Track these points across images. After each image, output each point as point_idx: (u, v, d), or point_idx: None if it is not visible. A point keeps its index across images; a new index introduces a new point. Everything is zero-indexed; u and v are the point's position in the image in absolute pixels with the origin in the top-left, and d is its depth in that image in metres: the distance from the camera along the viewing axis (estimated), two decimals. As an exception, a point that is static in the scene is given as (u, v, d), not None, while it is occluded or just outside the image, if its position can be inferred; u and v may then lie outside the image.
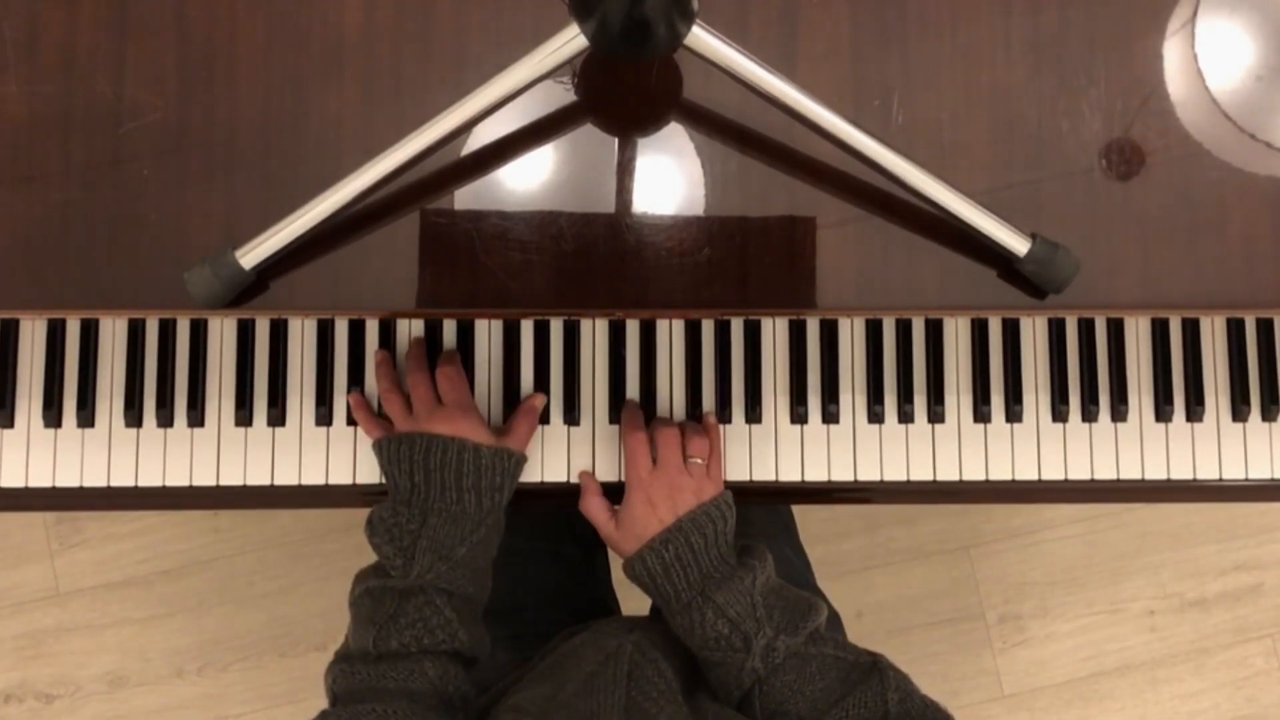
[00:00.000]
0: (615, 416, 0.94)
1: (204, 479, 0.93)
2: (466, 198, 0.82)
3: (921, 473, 0.94)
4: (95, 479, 0.92)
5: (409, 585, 0.80)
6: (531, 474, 0.93)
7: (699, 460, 0.86)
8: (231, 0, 0.82)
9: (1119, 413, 0.95)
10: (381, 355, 0.91)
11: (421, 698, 0.76)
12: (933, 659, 1.74)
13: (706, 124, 0.83)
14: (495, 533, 0.85)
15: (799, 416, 0.94)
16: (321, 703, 0.80)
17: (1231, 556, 1.77)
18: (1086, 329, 0.95)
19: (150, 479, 0.93)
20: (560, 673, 0.82)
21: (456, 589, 0.81)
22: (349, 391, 0.92)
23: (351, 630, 0.82)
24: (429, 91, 0.81)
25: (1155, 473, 0.95)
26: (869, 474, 0.94)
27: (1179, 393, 0.95)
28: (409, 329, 0.94)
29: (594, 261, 0.82)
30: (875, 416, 0.94)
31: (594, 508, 0.89)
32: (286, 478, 0.93)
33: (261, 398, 0.93)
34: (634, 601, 1.07)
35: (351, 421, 0.93)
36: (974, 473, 0.95)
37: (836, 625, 1.08)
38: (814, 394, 0.94)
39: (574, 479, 0.93)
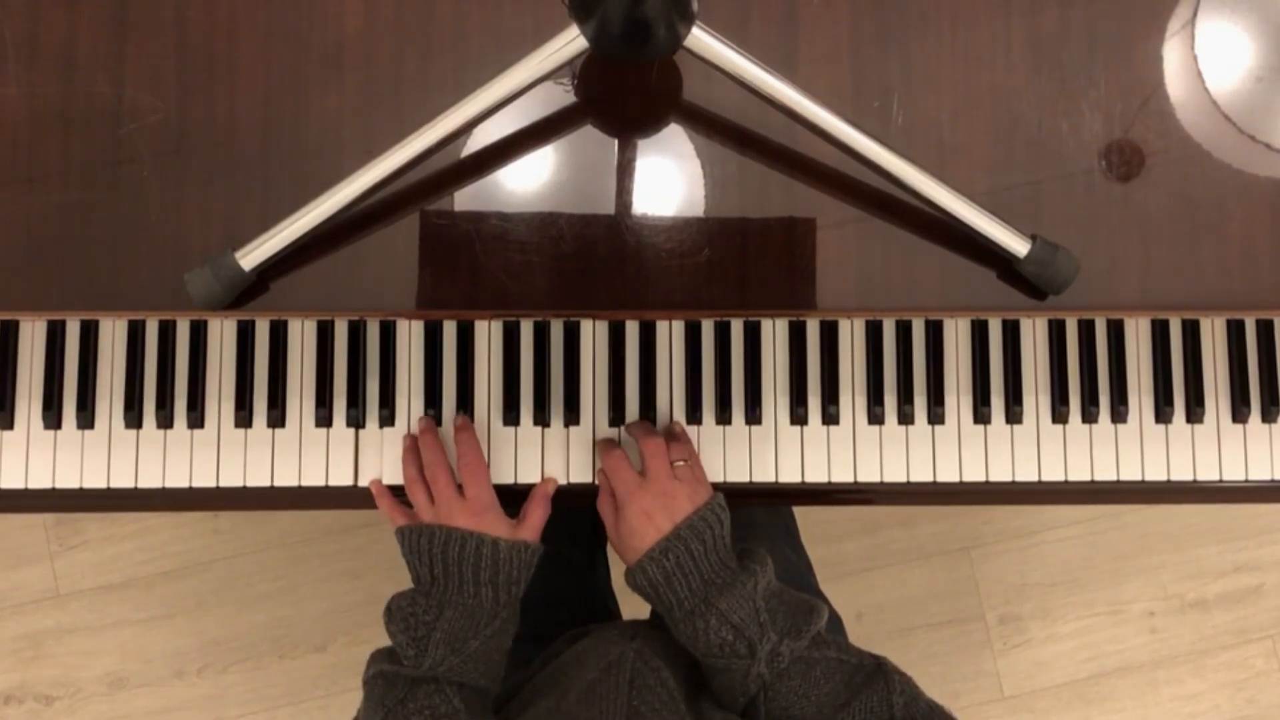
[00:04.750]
0: (615, 418, 0.94)
1: (204, 480, 0.93)
2: (466, 199, 0.82)
3: (921, 474, 0.94)
4: (95, 480, 0.92)
5: (420, 675, 0.80)
6: (532, 475, 0.93)
7: (683, 462, 0.86)
8: (231, 0, 0.82)
9: (1119, 414, 0.94)
10: (409, 442, 0.92)
11: None
12: (933, 660, 1.74)
13: (706, 125, 0.83)
14: (510, 625, 0.85)
15: (799, 418, 0.94)
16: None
17: (1232, 558, 1.77)
18: (1086, 330, 0.95)
19: (150, 480, 0.93)
20: (563, 681, 0.82)
21: (467, 680, 0.81)
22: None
23: (363, 708, 0.83)
24: (429, 92, 0.81)
25: (1155, 474, 0.95)
26: (869, 475, 0.94)
27: (1179, 394, 0.95)
28: (409, 330, 0.94)
29: (594, 263, 0.82)
30: (875, 418, 0.94)
31: (607, 509, 0.89)
32: (286, 479, 0.93)
33: (261, 399, 0.93)
34: (635, 604, 1.06)
35: (351, 423, 0.93)
36: (974, 474, 0.94)
37: (838, 627, 1.08)
38: (814, 395, 0.94)
39: (574, 480, 0.93)
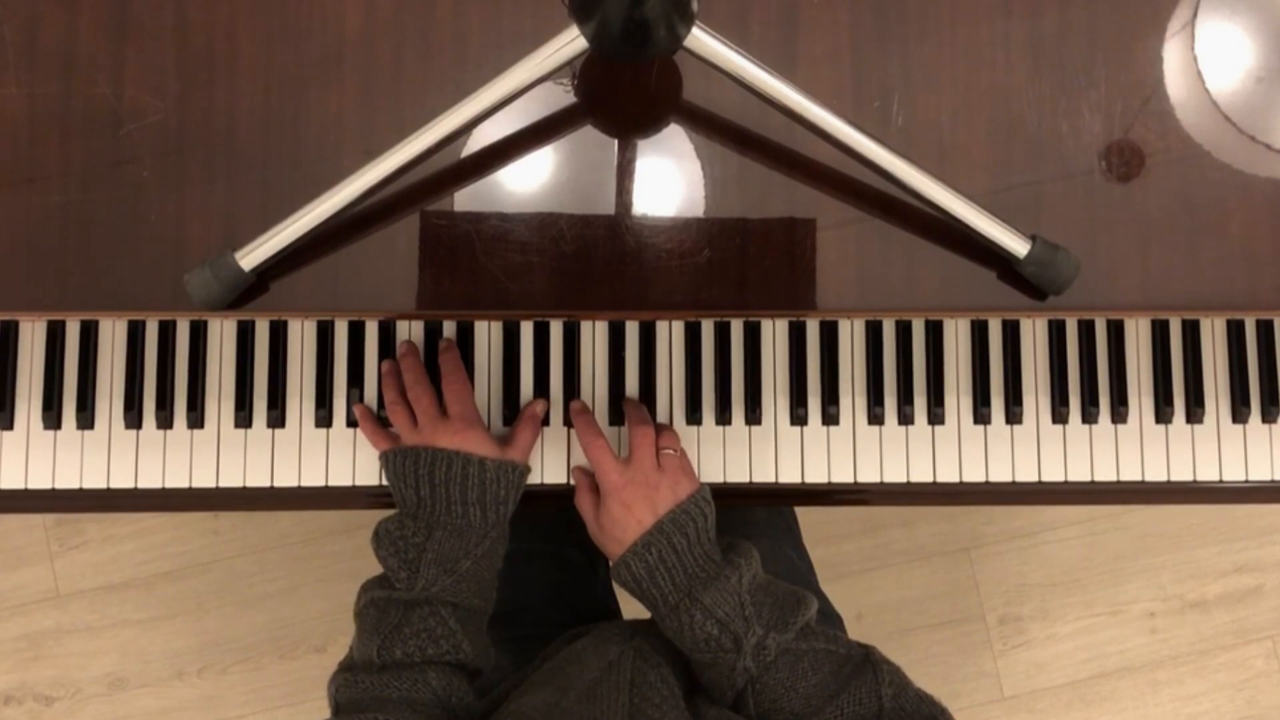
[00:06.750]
0: (615, 418, 0.94)
1: (204, 481, 0.93)
2: (466, 199, 0.82)
3: (921, 474, 0.94)
4: (95, 481, 0.92)
5: (414, 597, 0.80)
6: (532, 475, 0.93)
7: (671, 450, 0.86)
8: (231, 1, 0.82)
9: (1119, 414, 0.94)
10: (388, 366, 0.91)
11: (424, 708, 0.76)
12: (933, 661, 1.74)
13: (706, 126, 0.83)
14: (500, 545, 0.85)
15: (799, 418, 0.94)
16: (322, 704, 0.80)
17: (1232, 558, 1.77)
18: (1086, 330, 0.95)
19: (150, 481, 0.92)
20: (561, 678, 0.82)
21: (461, 601, 0.81)
22: (351, 401, 0.92)
23: (356, 640, 0.82)
24: (429, 92, 0.81)
25: (1155, 474, 0.95)
26: (869, 476, 0.94)
27: (1179, 394, 0.95)
28: (409, 331, 0.94)
29: (594, 263, 0.82)
30: (875, 418, 0.94)
31: (585, 505, 0.89)
32: (286, 479, 0.93)
33: (261, 399, 0.93)
34: (634, 604, 1.06)
35: (351, 423, 0.93)
36: (974, 474, 0.94)
37: (838, 628, 1.07)
38: (814, 396, 0.94)
39: (574, 480, 0.93)
